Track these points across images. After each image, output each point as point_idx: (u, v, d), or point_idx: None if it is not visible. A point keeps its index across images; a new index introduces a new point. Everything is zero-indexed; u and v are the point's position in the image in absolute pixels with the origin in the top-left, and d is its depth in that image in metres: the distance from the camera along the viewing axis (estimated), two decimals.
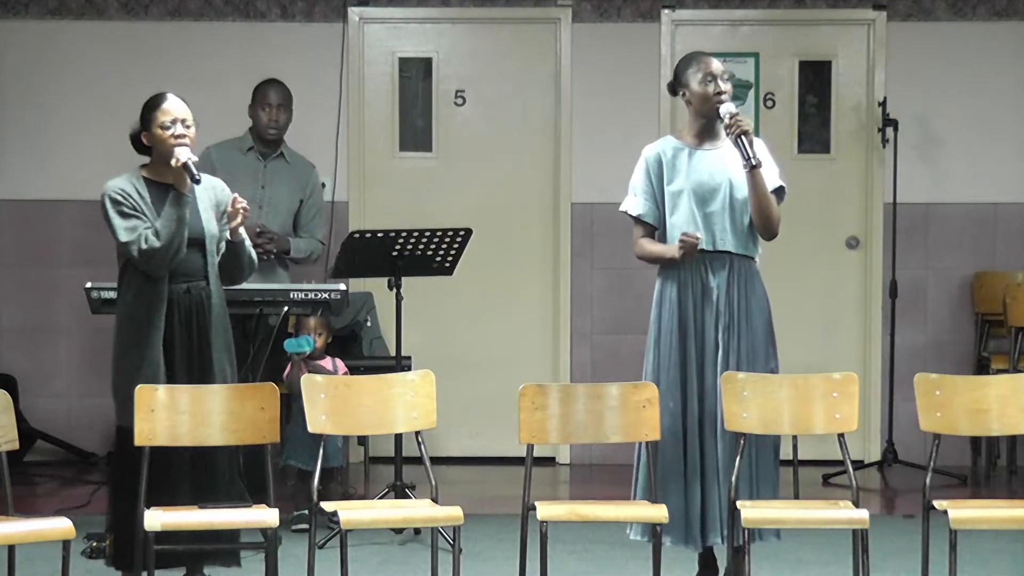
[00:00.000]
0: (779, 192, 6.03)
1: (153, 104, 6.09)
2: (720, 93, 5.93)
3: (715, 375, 5.93)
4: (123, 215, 5.99)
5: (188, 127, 6.03)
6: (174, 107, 6.06)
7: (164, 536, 5.57)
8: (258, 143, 8.04)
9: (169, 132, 6.01)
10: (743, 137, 5.86)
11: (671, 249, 5.93)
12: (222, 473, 6.10)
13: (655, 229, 6.03)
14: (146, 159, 6.15)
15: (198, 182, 6.03)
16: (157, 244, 5.92)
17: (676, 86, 6.06)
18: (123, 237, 5.96)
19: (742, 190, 5.95)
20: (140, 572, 5.66)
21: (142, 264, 5.97)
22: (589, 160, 9.14)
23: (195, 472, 6.04)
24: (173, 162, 5.99)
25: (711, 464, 5.92)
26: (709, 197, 5.96)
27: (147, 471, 5.68)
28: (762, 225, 5.96)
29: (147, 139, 6.08)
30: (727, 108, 5.91)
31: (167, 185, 6.05)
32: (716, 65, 5.98)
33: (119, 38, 9.14)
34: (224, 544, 6.12)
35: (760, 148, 5.98)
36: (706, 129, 6.02)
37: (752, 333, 5.98)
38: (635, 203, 6.05)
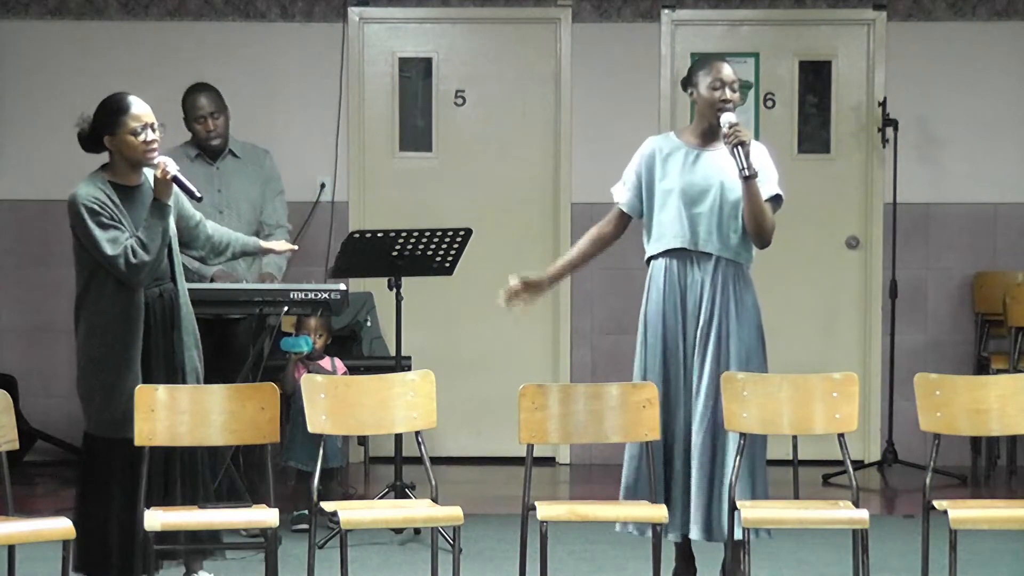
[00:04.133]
0: (776, 200, 6.02)
1: (119, 107, 5.84)
2: (725, 101, 5.95)
3: (697, 371, 5.95)
4: (102, 226, 5.77)
5: (155, 131, 5.83)
6: (143, 111, 5.83)
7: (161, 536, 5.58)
8: (203, 149, 7.85)
9: (140, 139, 5.80)
10: (740, 148, 5.87)
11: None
12: (209, 473, 6.10)
13: (629, 219, 6.14)
14: (91, 156, 5.98)
15: (200, 199, 5.92)
16: (147, 258, 5.73)
17: (687, 84, 6.10)
18: (109, 251, 5.74)
19: (733, 193, 5.95)
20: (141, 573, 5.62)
21: (127, 276, 5.76)
22: (589, 160, 9.14)
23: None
24: (159, 174, 5.78)
25: (693, 459, 5.92)
26: (698, 198, 5.98)
27: (148, 471, 5.68)
28: (755, 234, 5.96)
29: (111, 143, 5.86)
30: (727, 118, 5.92)
31: (129, 187, 5.88)
32: (727, 72, 5.99)
33: (119, 38, 9.13)
34: (211, 544, 6.12)
35: (761, 154, 6.00)
36: (709, 131, 6.04)
37: (740, 339, 5.96)
38: (620, 191, 6.16)
